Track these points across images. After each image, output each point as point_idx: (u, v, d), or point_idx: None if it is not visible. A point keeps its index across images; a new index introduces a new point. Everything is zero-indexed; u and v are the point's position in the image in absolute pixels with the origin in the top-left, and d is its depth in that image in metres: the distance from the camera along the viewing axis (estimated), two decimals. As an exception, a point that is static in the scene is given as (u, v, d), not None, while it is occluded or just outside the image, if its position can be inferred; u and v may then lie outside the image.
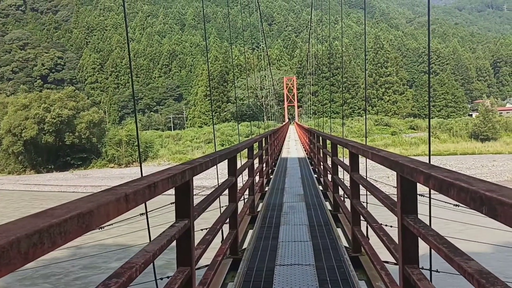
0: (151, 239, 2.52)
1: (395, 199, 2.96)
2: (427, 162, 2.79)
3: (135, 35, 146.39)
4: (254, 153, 7.99)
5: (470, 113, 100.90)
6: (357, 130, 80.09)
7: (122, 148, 72.65)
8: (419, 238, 2.71)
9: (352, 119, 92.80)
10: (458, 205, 10.03)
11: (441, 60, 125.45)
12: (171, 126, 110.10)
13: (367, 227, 5.57)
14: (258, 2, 46.84)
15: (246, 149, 7.35)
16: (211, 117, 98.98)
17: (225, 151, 4.52)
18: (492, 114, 76.49)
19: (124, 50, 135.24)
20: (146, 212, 4.26)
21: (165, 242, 2.33)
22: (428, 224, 2.72)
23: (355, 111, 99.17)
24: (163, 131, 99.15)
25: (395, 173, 2.77)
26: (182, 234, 2.69)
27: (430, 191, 3.86)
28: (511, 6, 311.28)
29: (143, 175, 2.58)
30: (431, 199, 4.21)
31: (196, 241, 3.31)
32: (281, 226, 6.52)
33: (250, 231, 6.73)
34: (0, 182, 58.43)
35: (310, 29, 64.10)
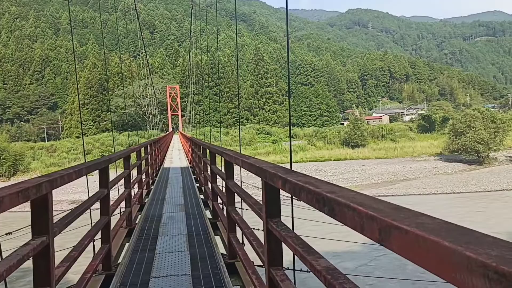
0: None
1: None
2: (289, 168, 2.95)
3: (1, 38, 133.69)
4: (132, 163, 7.75)
5: (342, 122, 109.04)
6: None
7: (-14, 162, 65.50)
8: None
9: (236, 128, 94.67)
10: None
11: (316, 73, 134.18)
12: (44, 136, 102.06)
13: (242, 234, 5.71)
14: (136, 9, 45.64)
15: (122, 160, 7.10)
16: (89, 127, 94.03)
17: (95, 161, 4.31)
18: (360, 122, 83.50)
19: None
20: None
21: (15, 262, 2.14)
22: (291, 227, 2.86)
23: (238, 120, 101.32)
24: (35, 142, 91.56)
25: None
26: (39, 252, 2.50)
27: (292, 195, 4.10)
28: (375, 24, 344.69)
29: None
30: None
31: (60, 260, 3.11)
32: (159, 237, 6.40)
33: (126, 245, 6.50)
34: None
35: (191, 38, 64.26)
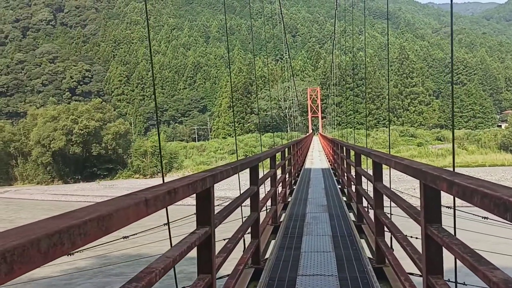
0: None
1: (419, 209, 2.91)
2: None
3: (161, 48, 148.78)
4: (277, 163, 7.98)
5: (499, 124, 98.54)
6: (382, 141, 79.13)
7: (147, 159, 73.53)
8: (443, 248, 2.66)
9: (377, 130, 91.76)
10: (487, 218, 9.71)
11: (468, 70, 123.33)
12: (195, 137, 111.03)
13: (391, 238, 5.47)
14: (281, 14, 47.04)
15: (269, 159, 7.35)
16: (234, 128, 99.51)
17: (247, 160, 4.53)
18: (522, 125, 74.56)
19: (150, 63, 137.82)
20: (168, 218, 4.29)
21: (185, 249, 2.34)
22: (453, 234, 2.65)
23: (380, 122, 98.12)
24: (187, 142, 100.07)
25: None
26: (203, 241, 2.69)
27: (454, 200, 3.78)
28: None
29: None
30: (457, 211, 4.11)
31: (217, 250, 3.31)
32: (304, 236, 6.47)
33: (272, 241, 6.70)
34: (29, 192, 59.80)
35: (334, 39, 63.95)
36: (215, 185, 2.88)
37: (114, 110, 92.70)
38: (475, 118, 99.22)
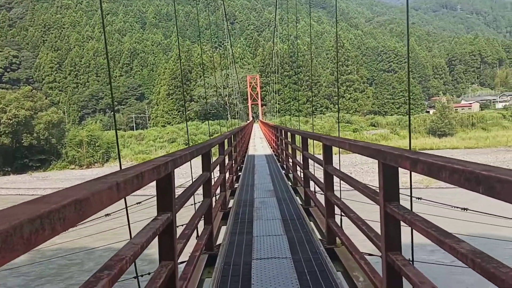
0: (132, 235, 2.45)
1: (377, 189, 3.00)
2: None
3: (95, 34, 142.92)
4: (225, 149, 7.95)
5: (427, 110, 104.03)
6: (320, 127, 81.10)
7: (83, 149, 70.83)
8: (401, 226, 2.76)
9: (315, 117, 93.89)
10: (467, 209, 10.17)
11: (399, 59, 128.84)
12: (133, 126, 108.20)
13: (341, 219, 5.64)
14: (223, 1, 46.60)
15: (217, 146, 7.30)
16: (174, 116, 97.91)
17: (202, 145, 4.46)
18: (448, 110, 79.12)
19: (83, 49, 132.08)
20: (126, 206, 4.13)
21: (151, 235, 2.27)
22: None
23: (317, 109, 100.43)
24: (125, 131, 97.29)
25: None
26: (165, 227, 2.63)
27: (410, 178, 3.93)
28: (464, 6, 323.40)
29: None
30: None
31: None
32: (254, 221, 6.51)
33: (223, 227, 6.69)
34: (-48, 187, 55.71)
35: (274, 27, 64.40)
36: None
37: (46, 99, 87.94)
38: (406, 104, 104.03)
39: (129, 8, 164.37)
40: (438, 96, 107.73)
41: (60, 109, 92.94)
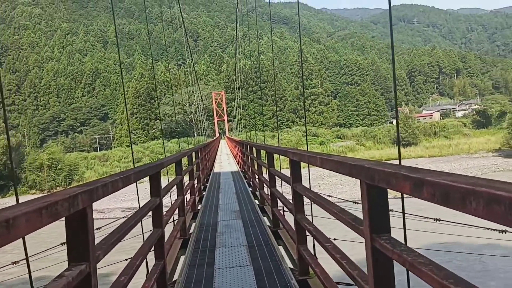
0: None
1: (361, 216, 2.35)
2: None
3: (54, 54, 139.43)
4: (184, 169, 7.21)
5: (391, 121, 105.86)
6: (287, 141, 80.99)
7: (44, 173, 68.10)
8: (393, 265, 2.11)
9: (281, 131, 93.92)
10: (506, 231, 8.22)
11: (362, 71, 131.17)
12: (97, 147, 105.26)
13: (314, 245, 4.98)
14: (183, 18, 45.91)
15: (174, 165, 6.55)
16: (139, 135, 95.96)
17: (144, 167, 3.72)
18: (411, 120, 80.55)
19: (43, 70, 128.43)
20: (27, 256, 3.31)
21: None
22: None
23: (283, 123, 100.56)
24: (88, 152, 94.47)
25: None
26: (78, 284, 1.89)
27: (403, 202, 3.29)
28: (421, 19, 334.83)
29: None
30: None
31: (106, 286, 2.51)
32: (217, 249, 5.78)
33: (182, 257, 5.92)
34: None
35: (236, 44, 64.24)
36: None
37: (3, 122, 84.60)
38: (370, 116, 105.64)
39: (90, 27, 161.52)
40: (401, 107, 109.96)
41: (19, 133, 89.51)
